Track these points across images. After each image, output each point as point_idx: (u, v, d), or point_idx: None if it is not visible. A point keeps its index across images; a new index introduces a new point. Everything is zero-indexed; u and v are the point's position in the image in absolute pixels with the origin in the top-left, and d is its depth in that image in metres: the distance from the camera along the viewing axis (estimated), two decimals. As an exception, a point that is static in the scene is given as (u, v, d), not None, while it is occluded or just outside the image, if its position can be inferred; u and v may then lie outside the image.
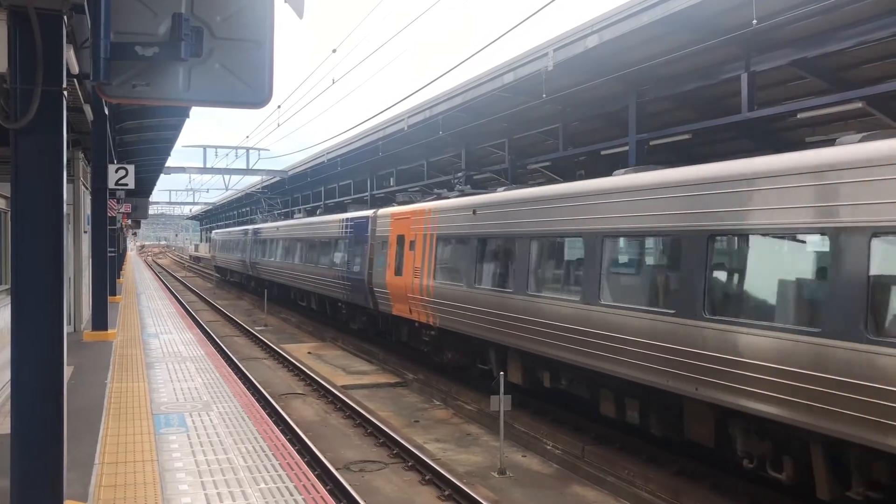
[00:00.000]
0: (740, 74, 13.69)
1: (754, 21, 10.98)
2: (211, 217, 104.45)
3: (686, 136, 15.95)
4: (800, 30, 12.28)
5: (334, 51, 19.03)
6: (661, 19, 12.36)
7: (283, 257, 31.69)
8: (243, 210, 76.49)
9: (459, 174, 25.60)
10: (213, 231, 66.17)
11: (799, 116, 13.74)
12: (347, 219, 23.14)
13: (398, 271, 17.85)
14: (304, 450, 11.01)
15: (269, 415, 11.50)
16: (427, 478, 10.44)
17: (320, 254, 25.82)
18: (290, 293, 32.36)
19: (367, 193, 35.06)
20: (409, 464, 11.08)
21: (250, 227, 41.92)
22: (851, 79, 13.72)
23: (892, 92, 11.97)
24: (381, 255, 19.30)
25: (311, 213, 35.77)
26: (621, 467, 10.58)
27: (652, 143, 16.47)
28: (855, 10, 11.26)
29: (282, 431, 10.48)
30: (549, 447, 11.88)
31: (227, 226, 79.65)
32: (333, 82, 20.32)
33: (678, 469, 10.33)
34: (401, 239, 18.08)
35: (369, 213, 21.30)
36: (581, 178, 15.01)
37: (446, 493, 9.83)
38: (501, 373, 11.46)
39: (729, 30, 12.18)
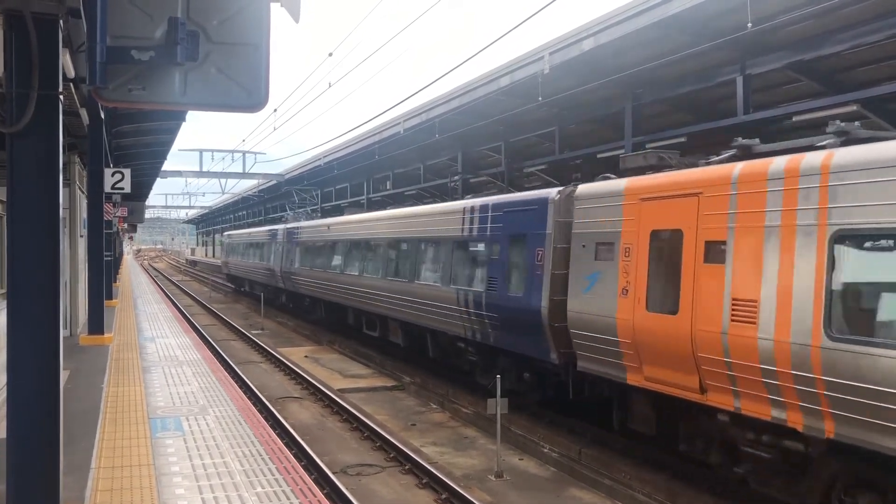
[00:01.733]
0: (736, 77, 13.75)
1: (749, 24, 11.02)
2: (207, 220, 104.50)
3: (682, 139, 16.01)
4: (795, 33, 12.33)
5: (330, 54, 19.05)
6: (657, 22, 12.40)
7: (341, 267, 22.84)
8: (239, 214, 76.49)
9: (456, 177, 25.65)
10: (226, 233, 52.67)
11: (794, 119, 13.79)
12: (487, 206, 14.24)
13: (658, 303, 9.50)
14: (300, 453, 11.00)
15: (265, 418, 11.50)
16: (424, 481, 10.43)
17: (419, 262, 17.04)
18: (349, 316, 23.58)
19: (363, 197, 35.11)
20: (406, 467, 11.07)
21: (281, 226, 32.45)
22: (846, 81, 13.77)
23: (888, 94, 12.03)
24: (596, 270, 10.66)
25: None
26: (618, 470, 10.58)
27: (648, 145, 16.51)
28: (850, 12, 11.31)
29: (278, 435, 10.46)
30: (545, 450, 11.89)
31: (240, 226, 68.99)
32: (330, 86, 20.37)
33: (675, 472, 10.34)
34: (672, 239, 9.45)
35: (547, 192, 12.35)
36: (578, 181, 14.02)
37: (443, 496, 9.82)
38: (497, 376, 11.45)
39: (724, 33, 12.22)
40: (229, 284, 48.70)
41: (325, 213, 39.44)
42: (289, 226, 30.99)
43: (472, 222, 14.81)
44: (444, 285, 15.37)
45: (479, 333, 14.08)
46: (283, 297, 32.93)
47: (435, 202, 21.36)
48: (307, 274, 26.86)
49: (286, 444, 10.19)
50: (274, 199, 54.91)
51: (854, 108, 12.47)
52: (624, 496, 9.96)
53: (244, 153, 39.68)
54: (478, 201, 14.82)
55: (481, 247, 14.38)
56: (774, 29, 11.91)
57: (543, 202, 12.30)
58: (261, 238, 35.84)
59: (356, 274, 21.21)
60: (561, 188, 12.22)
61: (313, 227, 27.24)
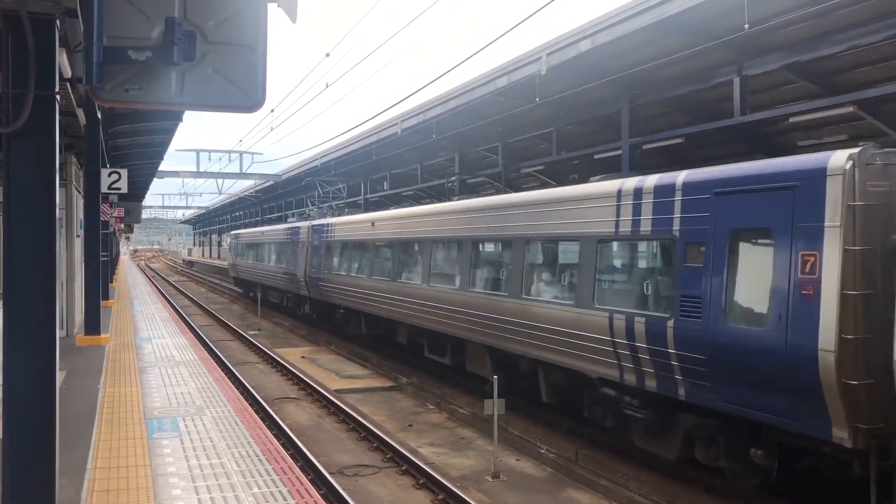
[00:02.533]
0: (733, 78, 13.76)
1: (746, 25, 11.03)
2: (204, 221, 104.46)
3: (679, 140, 16.01)
4: (792, 34, 12.34)
5: (328, 55, 19.04)
6: (654, 23, 12.41)
7: (392, 273, 18.19)
8: (237, 214, 76.42)
9: (453, 178, 25.64)
10: (234, 232, 46.69)
11: (791, 120, 13.80)
12: (670, 186, 9.63)
13: None
14: (297, 454, 10.99)
15: (262, 419, 11.49)
16: (421, 482, 10.43)
17: (531, 270, 12.79)
18: (401, 333, 18.85)
19: (360, 197, 35.09)
20: (403, 468, 11.07)
21: (304, 223, 27.53)
22: (843, 83, 13.78)
23: (884, 96, 12.04)
24: None
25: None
26: (615, 470, 10.59)
27: (645, 146, 16.52)
28: (847, 14, 11.32)
29: (275, 436, 10.47)
30: (542, 451, 11.88)
31: (248, 224, 63.44)
32: (327, 86, 20.35)
33: (672, 472, 10.34)
34: None
35: (820, 158, 7.85)
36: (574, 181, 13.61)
37: (440, 497, 9.82)
38: (495, 377, 11.44)
39: (721, 34, 12.22)
40: (237, 289, 43.79)
41: (322, 213, 39.15)
42: (315, 223, 25.87)
43: (637, 212, 10.01)
44: (584, 305, 10.85)
45: (657, 381, 9.49)
46: (305, 307, 28.04)
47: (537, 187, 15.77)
48: (341, 280, 21.94)
49: (283, 445, 10.18)
50: (271, 199, 54.88)
51: (851, 109, 12.50)
52: (621, 497, 9.95)
53: (241, 153, 39.68)
54: (650, 180, 9.93)
55: (660, 248, 10.09)
56: (771, 30, 11.92)
57: (815, 175, 7.66)
58: (278, 237, 30.90)
59: (418, 283, 16.60)
60: (853, 150, 7.48)
61: (350, 224, 22.19)
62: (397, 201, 31.14)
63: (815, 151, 8.21)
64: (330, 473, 10.24)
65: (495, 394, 11.07)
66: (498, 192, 23.03)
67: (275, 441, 9.60)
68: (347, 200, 37.82)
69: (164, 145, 24.57)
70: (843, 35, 11.86)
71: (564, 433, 12.51)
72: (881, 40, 11.47)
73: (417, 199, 28.88)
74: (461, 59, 13.00)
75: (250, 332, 26.68)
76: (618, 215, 10.39)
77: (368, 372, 19.54)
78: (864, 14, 11.26)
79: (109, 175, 17.68)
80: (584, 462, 11.19)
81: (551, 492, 10.45)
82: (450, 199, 17.95)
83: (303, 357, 21.82)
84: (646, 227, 9.88)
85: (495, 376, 11.42)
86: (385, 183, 33.02)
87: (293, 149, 64.65)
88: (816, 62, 13.06)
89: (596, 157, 18.58)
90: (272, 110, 29.50)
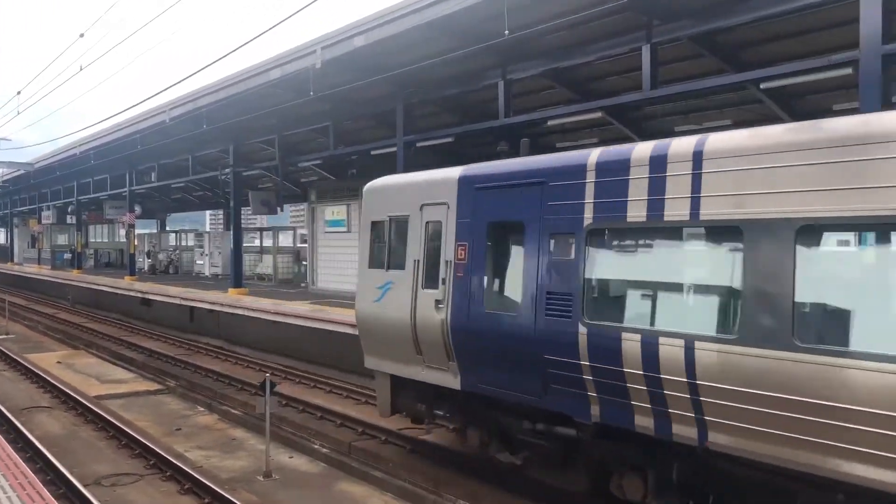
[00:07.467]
0: (498, 82, 14.47)
1: (506, 31, 11.63)
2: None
3: (449, 139, 16.55)
4: (551, 41, 13.19)
5: (82, 35, 17.62)
6: (424, 24, 12.76)
7: None
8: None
9: (227, 170, 24.76)
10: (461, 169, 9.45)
11: (549, 123, 14.77)
12: None
13: None
14: (47, 467, 10.09)
15: (6, 431, 10.41)
16: (186, 487, 9.97)
17: None
18: None
19: (125, 189, 32.81)
20: (168, 474, 10.52)
21: None
22: (596, 90, 14.96)
23: (627, 104, 13.23)
24: None
25: None
26: (386, 461, 10.75)
27: (419, 144, 16.92)
28: (597, 26, 12.27)
29: (22, 448, 9.53)
30: (316, 446, 11.83)
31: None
32: (81, 69, 18.80)
33: (437, 459, 10.63)
34: None
35: None
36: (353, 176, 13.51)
37: (206, 501, 9.45)
38: (267, 374, 11.18)
39: (486, 39, 12.79)
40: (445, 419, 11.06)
41: (83, 207, 36.27)
42: None
43: None
44: None
45: None
46: None
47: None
48: None
49: (30, 458, 9.30)
50: (22, 189, 49.77)
51: (599, 114, 13.61)
52: (393, 486, 10.12)
53: (-18, 138, 35.67)
54: None
55: None
56: (531, 37, 12.64)
57: None
58: None
59: None
60: None
61: None
62: (166, 193, 29.47)
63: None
64: (84, 485, 9.50)
65: (267, 391, 10.83)
66: (276, 185, 22.53)
67: (13, 454, 8.73)
68: (110, 192, 35.03)
69: None
70: (595, 45, 12.87)
71: (338, 427, 12.52)
72: (626, 52, 12.56)
73: (189, 192, 27.46)
74: (232, 49, 12.50)
75: (-4, 337, 24.08)
76: None
77: (133, 376, 18.38)
78: (611, 27, 12.28)
79: None
80: (356, 455, 11.26)
81: (325, 486, 10.41)
82: None
83: (59, 362, 20.06)
84: None
85: (267, 374, 11.15)
86: (153, 174, 31.17)
87: (50, 135, 59.18)
88: (573, 70, 14.07)
89: (373, 153, 18.77)
90: (19, 92, 26.87)
